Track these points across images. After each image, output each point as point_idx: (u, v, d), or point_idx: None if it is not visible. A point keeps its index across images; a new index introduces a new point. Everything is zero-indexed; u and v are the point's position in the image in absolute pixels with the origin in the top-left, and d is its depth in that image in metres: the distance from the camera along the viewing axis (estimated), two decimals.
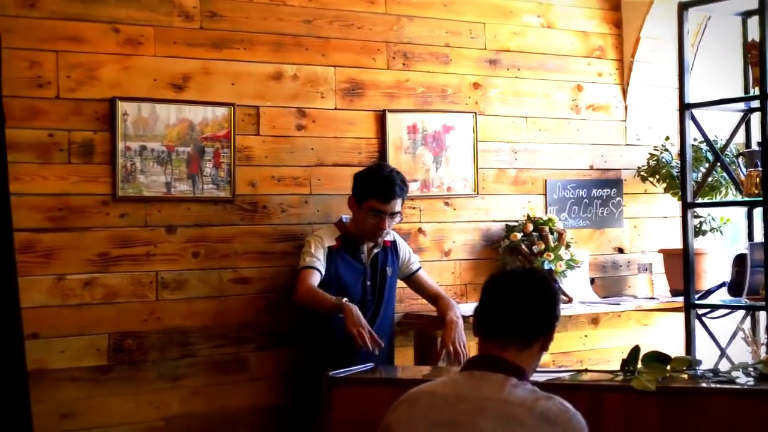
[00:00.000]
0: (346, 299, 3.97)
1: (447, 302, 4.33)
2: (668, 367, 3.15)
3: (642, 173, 5.39)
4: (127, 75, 4.20)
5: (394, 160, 4.76)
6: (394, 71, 4.86)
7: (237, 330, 4.40)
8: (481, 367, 2.44)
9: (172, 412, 4.26)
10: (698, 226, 5.17)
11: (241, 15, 4.46)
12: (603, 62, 5.51)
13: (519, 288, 2.50)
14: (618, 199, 5.51)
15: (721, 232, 5.29)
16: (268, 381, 4.46)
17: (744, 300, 4.52)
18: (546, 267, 4.87)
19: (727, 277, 4.77)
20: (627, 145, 5.56)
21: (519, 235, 4.96)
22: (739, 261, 4.65)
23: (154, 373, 4.22)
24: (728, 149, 4.79)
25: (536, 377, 2.70)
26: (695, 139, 4.88)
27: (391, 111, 4.82)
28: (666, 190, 5.32)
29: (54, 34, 4.06)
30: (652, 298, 5.34)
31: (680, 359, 3.23)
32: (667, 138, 5.34)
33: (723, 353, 4.51)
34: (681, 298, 4.69)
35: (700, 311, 4.62)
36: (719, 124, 4.90)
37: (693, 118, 4.61)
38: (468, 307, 4.33)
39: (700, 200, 4.78)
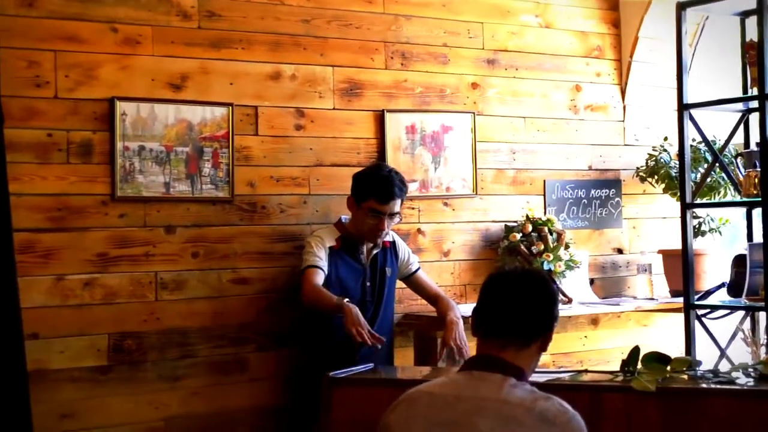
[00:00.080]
0: (347, 299, 3.97)
1: (447, 303, 4.33)
2: (668, 368, 3.15)
3: (641, 174, 5.39)
4: (126, 75, 4.20)
5: (392, 160, 4.76)
6: (392, 71, 4.86)
7: (237, 330, 4.40)
8: (480, 368, 2.44)
9: (171, 413, 4.25)
10: (697, 226, 5.17)
11: (239, 15, 4.46)
12: (601, 62, 5.52)
13: (517, 288, 2.50)
14: (617, 199, 5.51)
15: (720, 233, 5.29)
16: (268, 381, 4.46)
17: (743, 300, 4.52)
18: (545, 267, 4.87)
19: (726, 277, 4.76)
20: (625, 145, 5.57)
21: (518, 236, 4.95)
22: (739, 261, 4.65)
23: (153, 374, 4.22)
24: (727, 149, 4.78)
25: (536, 377, 2.70)
26: (694, 140, 4.88)
27: (389, 111, 4.82)
28: (665, 191, 5.32)
29: (52, 33, 4.06)
30: (652, 299, 5.35)
31: (680, 360, 3.22)
32: (666, 138, 5.34)
33: (723, 354, 4.51)
34: (680, 299, 4.68)
35: (700, 312, 4.61)
36: (718, 125, 4.90)
37: (691, 119, 4.61)
38: (467, 308, 4.31)
39: (699, 201, 4.78)
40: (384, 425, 2.46)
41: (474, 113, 5.06)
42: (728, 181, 4.87)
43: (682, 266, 4.62)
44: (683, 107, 4.59)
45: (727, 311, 4.66)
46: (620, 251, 5.54)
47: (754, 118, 4.68)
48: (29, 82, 4.00)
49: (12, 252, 3.30)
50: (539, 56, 5.31)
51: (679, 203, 4.71)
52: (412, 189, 4.74)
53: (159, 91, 4.26)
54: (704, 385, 3.09)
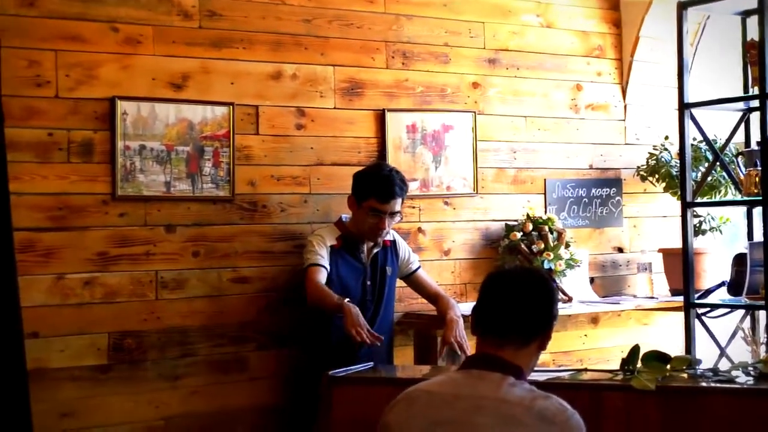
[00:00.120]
0: (347, 299, 3.97)
1: (447, 301, 4.33)
2: (668, 367, 3.15)
3: (641, 173, 5.38)
4: (127, 74, 4.20)
5: (393, 159, 4.76)
6: (393, 70, 4.86)
7: (237, 329, 4.40)
8: (479, 366, 2.44)
9: (171, 412, 4.25)
10: (698, 225, 5.17)
11: (240, 14, 4.46)
12: (602, 62, 5.52)
13: (517, 287, 2.50)
14: (617, 198, 5.51)
15: (720, 232, 5.29)
16: (268, 381, 4.46)
17: (743, 299, 4.52)
18: (545, 266, 4.87)
19: (726, 276, 4.77)
20: (626, 144, 5.56)
21: (518, 235, 4.96)
22: (739, 260, 4.65)
23: (153, 373, 4.22)
24: (727, 149, 4.79)
25: (536, 376, 2.71)
26: (694, 139, 4.88)
27: (390, 110, 4.82)
28: (665, 190, 5.32)
29: (53, 33, 4.06)
30: (652, 298, 5.35)
31: (680, 358, 3.22)
32: (667, 137, 5.34)
33: (723, 352, 4.51)
34: (680, 298, 4.69)
35: (700, 311, 4.61)
36: (718, 124, 4.90)
37: (692, 118, 4.61)
38: (468, 307, 4.30)
39: (699, 200, 4.79)
40: (383, 424, 2.46)
41: (475, 112, 5.06)
42: (729, 180, 4.87)
43: (682, 265, 4.62)
44: (684, 106, 4.59)
45: (727, 310, 4.67)
46: (620, 250, 5.54)
47: (754, 118, 4.68)
48: (30, 82, 4.00)
49: (12, 251, 3.31)
50: (540, 56, 5.31)
51: (679, 202, 4.72)
52: (413, 188, 4.74)
53: (160, 90, 4.27)
54: (704, 384, 3.09)
